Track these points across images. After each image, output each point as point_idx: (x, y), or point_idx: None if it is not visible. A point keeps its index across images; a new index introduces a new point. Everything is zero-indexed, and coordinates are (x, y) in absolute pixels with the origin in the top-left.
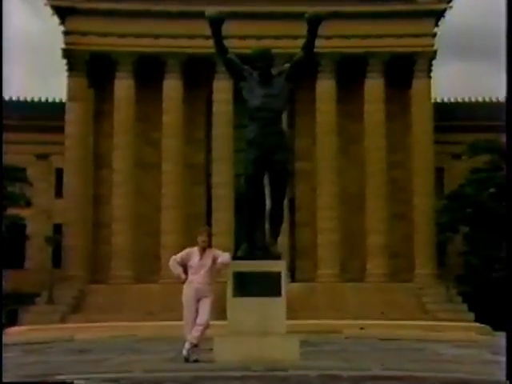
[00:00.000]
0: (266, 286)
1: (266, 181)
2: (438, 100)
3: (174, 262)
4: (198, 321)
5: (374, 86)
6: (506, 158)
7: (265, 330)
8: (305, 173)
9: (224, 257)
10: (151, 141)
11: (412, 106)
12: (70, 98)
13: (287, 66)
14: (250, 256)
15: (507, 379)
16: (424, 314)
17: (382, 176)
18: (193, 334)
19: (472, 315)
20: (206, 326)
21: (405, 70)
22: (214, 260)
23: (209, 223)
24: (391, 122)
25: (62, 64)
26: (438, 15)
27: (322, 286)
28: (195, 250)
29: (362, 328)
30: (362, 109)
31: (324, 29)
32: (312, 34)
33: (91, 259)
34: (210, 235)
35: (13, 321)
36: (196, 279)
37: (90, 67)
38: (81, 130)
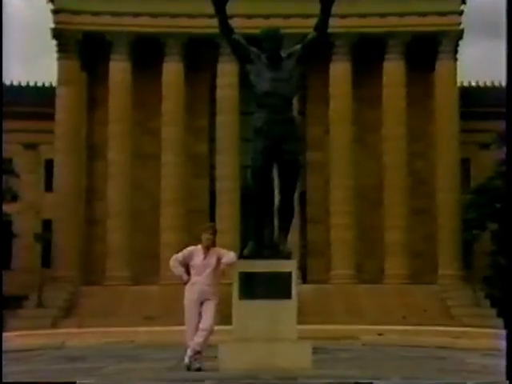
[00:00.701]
0: (274, 287)
1: (274, 173)
2: (465, 84)
3: (175, 262)
4: (202, 326)
5: (393, 69)
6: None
7: (274, 335)
8: (317, 164)
9: (229, 256)
10: (150, 129)
11: (435, 91)
12: (61, 82)
13: (298, 47)
14: (257, 255)
15: (507, 379)
16: (448, 320)
17: (402, 168)
18: (195, 341)
19: (501, 321)
20: (210, 332)
21: (428, 52)
22: (219, 260)
23: (212, 219)
24: (412, 109)
25: (52, 45)
26: None
27: (335, 288)
28: (198, 249)
29: (380, 334)
30: (380, 94)
31: (339, 7)
32: (325, 13)
33: (84, 259)
34: (214, 233)
35: None
36: (199, 280)
37: (83, 48)
38: (72, 117)
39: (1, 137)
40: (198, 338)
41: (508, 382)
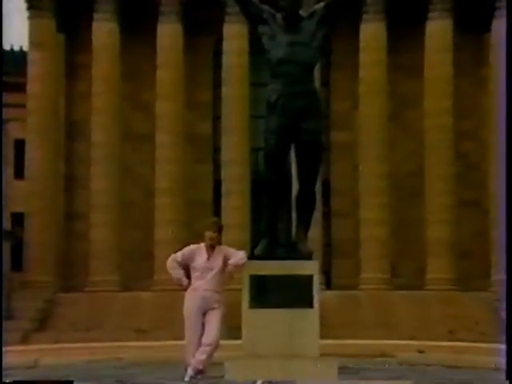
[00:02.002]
0: (293, 294)
1: (292, 157)
2: None
3: (173, 263)
4: (205, 340)
5: (437, 30)
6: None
7: (291, 352)
8: (344, 146)
9: (238, 256)
10: (141, 104)
11: (490, 57)
12: (33, 45)
13: (321, 5)
14: (271, 255)
15: (507, 379)
16: (504, 334)
17: (448, 150)
18: (198, 358)
19: None
20: (215, 347)
21: (481, 8)
22: (226, 261)
23: (217, 213)
24: (461, 78)
25: (21, 1)
26: None
27: (366, 295)
28: (201, 248)
29: (420, 351)
30: (420, 61)
31: None
32: None
33: (62, 260)
34: (220, 229)
35: None
36: (202, 285)
37: (59, 5)
38: (48, 88)
39: (1, 137)
40: (201, 355)
41: (508, 382)
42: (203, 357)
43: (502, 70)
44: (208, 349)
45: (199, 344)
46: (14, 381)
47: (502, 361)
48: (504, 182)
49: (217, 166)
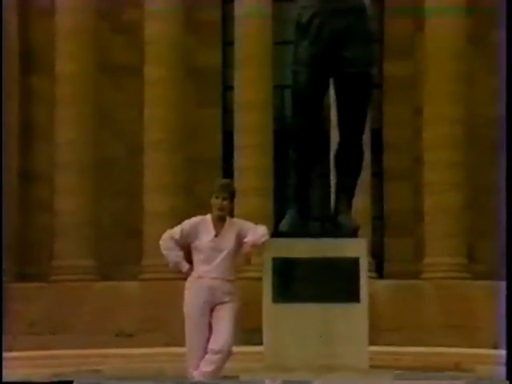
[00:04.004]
0: (331, 284)
1: (330, 97)
2: None
3: (169, 243)
4: (213, 346)
5: None
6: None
7: (330, 362)
8: (402, 82)
9: (257, 233)
10: (124, 25)
11: None
12: None
13: None
14: (302, 231)
15: (507, 379)
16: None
17: None
18: (203, 370)
19: None
20: (227, 355)
21: None
22: (240, 239)
23: (229, 174)
24: None
25: None
26: None
27: (431, 286)
28: (207, 222)
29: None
30: None
31: None
32: None
33: (17, 238)
34: (232, 195)
35: None
36: (208, 272)
37: None
38: None
39: (1, 136)
40: (207, 367)
41: (508, 382)
42: (210, 369)
43: None
44: (217, 358)
45: (205, 352)
46: (14, 381)
47: None
48: None
49: (227, 111)
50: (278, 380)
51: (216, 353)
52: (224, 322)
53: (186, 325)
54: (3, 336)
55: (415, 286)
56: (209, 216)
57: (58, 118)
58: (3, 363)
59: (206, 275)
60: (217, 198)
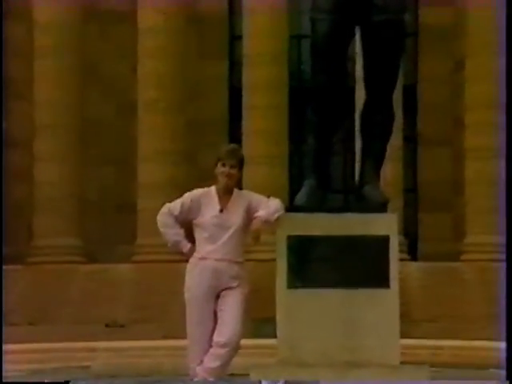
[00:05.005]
0: (356, 266)
1: (356, 50)
2: None
3: (167, 219)
4: (219, 337)
5: None
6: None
7: (354, 358)
8: (439, 30)
9: (269, 207)
10: None
11: None
12: None
13: None
14: (321, 205)
15: (507, 379)
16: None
17: None
18: (208, 365)
19: None
20: (234, 348)
21: None
22: (250, 214)
23: (236, 139)
24: None
25: None
26: None
27: (473, 270)
28: (211, 194)
29: None
30: None
31: None
32: None
33: None
34: (241, 163)
35: None
36: (213, 253)
37: None
38: None
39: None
40: (212, 362)
41: (508, 382)
42: (215, 364)
43: None
44: (223, 352)
45: (209, 345)
46: (13, 381)
47: None
48: None
49: (235, 64)
50: (281, 380)
51: (222, 346)
52: (231, 310)
53: (187, 314)
54: (3, 336)
55: (454, 270)
56: (213, 188)
57: (37, 73)
58: (3, 363)
59: (210, 256)
60: (223, 165)
